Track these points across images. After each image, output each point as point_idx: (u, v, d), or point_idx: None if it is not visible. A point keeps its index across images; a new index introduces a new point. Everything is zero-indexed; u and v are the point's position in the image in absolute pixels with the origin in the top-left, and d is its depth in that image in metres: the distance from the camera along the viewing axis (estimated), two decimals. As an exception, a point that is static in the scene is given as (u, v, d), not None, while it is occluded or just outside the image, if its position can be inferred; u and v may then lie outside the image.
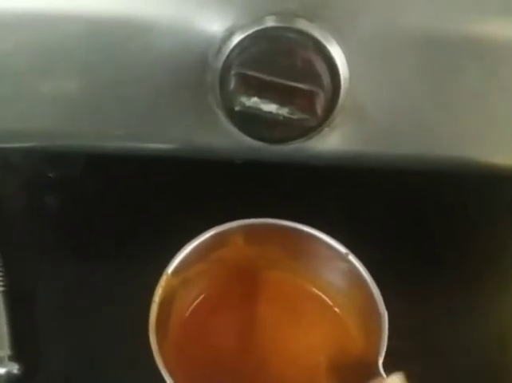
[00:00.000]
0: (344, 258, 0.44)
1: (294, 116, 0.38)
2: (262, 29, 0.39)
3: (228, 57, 0.39)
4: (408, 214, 0.51)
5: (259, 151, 0.42)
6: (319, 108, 0.38)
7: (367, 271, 0.44)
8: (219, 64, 0.39)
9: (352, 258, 0.44)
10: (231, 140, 0.42)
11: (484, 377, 0.48)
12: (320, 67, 0.39)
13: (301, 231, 0.45)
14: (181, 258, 0.43)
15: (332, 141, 0.42)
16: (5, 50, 0.40)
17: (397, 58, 0.40)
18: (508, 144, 0.43)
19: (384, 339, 0.41)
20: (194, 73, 0.40)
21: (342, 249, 0.44)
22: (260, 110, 0.38)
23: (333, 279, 0.46)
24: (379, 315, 0.42)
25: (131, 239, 0.51)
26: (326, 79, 0.39)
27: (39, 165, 0.54)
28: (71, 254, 0.52)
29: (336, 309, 0.46)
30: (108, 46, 0.40)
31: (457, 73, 0.40)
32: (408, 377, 0.38)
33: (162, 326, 0.41)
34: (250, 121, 0.39)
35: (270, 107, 0.38)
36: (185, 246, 0.43)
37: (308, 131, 0.40)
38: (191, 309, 0.45)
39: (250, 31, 0.39)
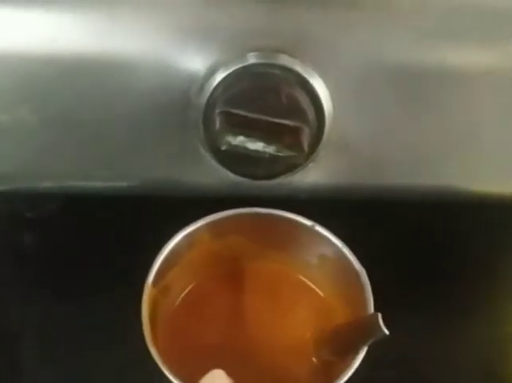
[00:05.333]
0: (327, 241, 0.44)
1: (281, 154, 0.38)
2: (245, 66, 0.39)
3: (211, 95, 0.39)
4: (394, 244, 0.51)
5: (243, 186, 0.42)
6: (305, 144, 0.38)
7: (350, 251, 0.43)
8: (202, 102, 0.39)
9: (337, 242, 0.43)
10: (215, 176, 0.42)
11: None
12: (305, 102, 0.39)
13: (271, 216, 0.44)
14: (157, 267, 0.42)
15: (316, 175, 0.42)
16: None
17: (379, 91, 0.40)
18: (494, 172, 0.44)
19: (368, 294, 0.41)
20: (177, 112, 0.40)
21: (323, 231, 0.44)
22: (246, 149, 0.38)
23: (313, 262, 0.45)
24: (363, 289, 0.42)
25: (119, 277, 0.50)
26: (311, 114, 0.39)
27: (17, 206, 0.53)
28: (52, 293, 0.51)
29: (320, 292, 0.46)
30: (88, 85, 0.40)
31: (439, 103, 0.41)
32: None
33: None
34: (235, 159, 0.39)
35: (257, 145, 0.38)
36: (158, 256, 0.43)
37: (294, 167, 0.40)
38: (178, 301, 0.45)
39: (232, 68, 0.39)
